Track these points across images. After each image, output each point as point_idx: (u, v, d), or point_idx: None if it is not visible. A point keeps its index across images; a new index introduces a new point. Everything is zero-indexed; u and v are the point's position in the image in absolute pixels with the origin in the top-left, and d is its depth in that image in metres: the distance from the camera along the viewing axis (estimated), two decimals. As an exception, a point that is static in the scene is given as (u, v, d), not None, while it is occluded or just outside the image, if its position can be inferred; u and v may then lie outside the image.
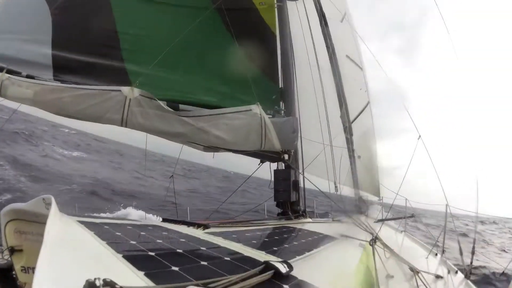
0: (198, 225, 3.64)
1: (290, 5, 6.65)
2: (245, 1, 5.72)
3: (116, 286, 1.11)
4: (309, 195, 6.43)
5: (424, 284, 2.79)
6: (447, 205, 4.82)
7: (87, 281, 1.06)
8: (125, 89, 4.33)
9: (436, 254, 4.66)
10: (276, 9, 5.87)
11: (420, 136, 5.10)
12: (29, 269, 2.41)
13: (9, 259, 2.49)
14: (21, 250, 2.41)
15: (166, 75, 4.99)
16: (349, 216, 5.95)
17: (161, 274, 1.63)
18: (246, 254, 2.42)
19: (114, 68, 4.90)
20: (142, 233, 2.70)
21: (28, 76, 4.46)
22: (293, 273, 1.93)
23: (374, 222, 6.32)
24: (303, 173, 5.59)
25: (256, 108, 4.70)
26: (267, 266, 1.82)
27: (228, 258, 2.22)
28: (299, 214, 5.69)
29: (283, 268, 1.86)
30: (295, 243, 3.66)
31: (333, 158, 5.92)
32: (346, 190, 7.04)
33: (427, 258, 4.42)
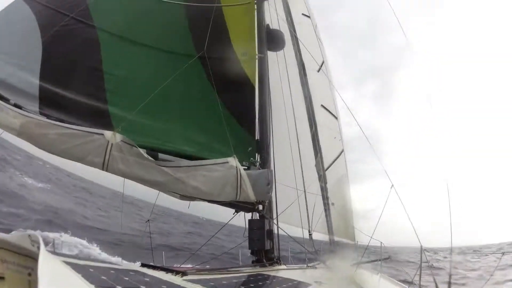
0: (176, 272, 3.73)
1: (270, 54, 6.96)
2: (228, 51, 5.96)
3: None
4: (285, 240, 6.58)
5: None
6: (421, 247, 5.02)
7: None
8: (108, 134, 4.46)
9: None
10: (257, 61, 6.10)
11: (392, 185, 5.31)
12: None
13: None
14: (3, 278, 2.47)
15: (146, 121, 5.15)
16: (323, 261, 6.11)
17: None
18: None
19: (98, 109, 5.03)
20: (125, 278, 2.77)
21: (16, 105, 4.50)
22: None
23: (350, 265, 6.46)
24: (277, 223, 5.73)
25: (233, 161, 4.88)
26: None
27: None
28: (273, 261, 5.80)
29: None
30: None
31: (307, 205, 6.12)
32: (321, 236, 7.21)
33: None
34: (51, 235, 11.86)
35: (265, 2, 6.87)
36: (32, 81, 4.87)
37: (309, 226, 6.23)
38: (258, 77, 6.13)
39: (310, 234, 6.34)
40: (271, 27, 6.94)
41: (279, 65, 7.34)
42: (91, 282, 2.09)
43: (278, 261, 5.89)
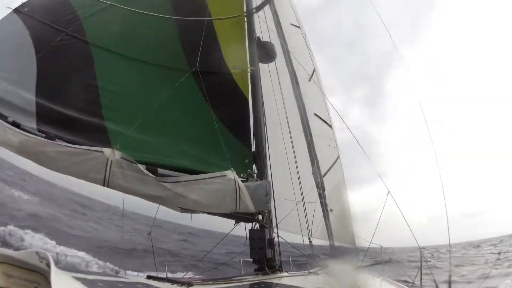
0: (181, 283, 3.82)
1: (262, 66, 7.06)
2: (220, 65, 6.09)
3: None
4: (286, 247, 6.66)
5: None
6: (420, 249, 5.12)
7: None
8: (107, 151, 4.53)
9: None
10: (249, 73, 6.23)
11: (389, 192, 5.40)
12: None
13: None
14: None
15: (143, 137, 5.22)
16: (325, 267, 6.18)
17: None
18: None
19: (95, 125, 5.09)
20: None
21: (14, 123, 4.53)
22: None
23: (351, 270, 6.52)
24: (277, 232, 5.83)
25: (231, 174, 4.99)
26: None
27: None
28: (275, 269, 5.88)
29: None
30: None
31: (305, 213, 6.22)
32: (322, 242, 7.30)
33: None
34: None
35: (255, 14, 7.01)
36: (28, 97, 4.90)
37: (308, 233, 6.32)
38: (251, 89, 6.22)
39: (310, 241, 6.42)
40: (261, 39, 7.06)
41: (271, 76, 7.46)
42: None
43: (280, 269, 5.97)
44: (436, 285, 4.80)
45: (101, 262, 13.21)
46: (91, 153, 4.50)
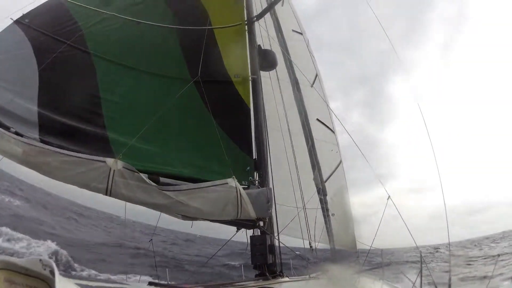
0: None
1: (263, 73, 7.14)
2: (221, 74, 6.15)
3: None
4: (287, 252, 6.73)
5: None
6: (420, 251, 5.19)
7: None
8: (110, 161, 4.60)
9: None
10: (250, 82, 6.29)
11: (389, 196, 5.46)
12: None
13: None
14: None
15: (145, 146, 5.30)
16: (326, 271, 6.24)
17: None
18: None
19: (97, 135, 5.16)
20: None
21: (17, 133, 4.58)
22: None
23: (352, 274, 6.57)
24: (278, 238, 5.89)
25: (232, 182, 5.08)
26: None
27: None
28: (276, 274, 5.95)
29: None
30: None
31: (306, 219, 6.30)
32: (323, 247, 7.37)
33: None
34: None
35: (256, 22, 7.08)
36: (30, 108, 4.95)
37: (309, 238, 6.40)
38: (253, 97, 6.28)
39: (310, 246, 6.49)
40: (262, 47, 7.14)
41: (273, 83, 7.54)
42: None
43: (281, 274, 6.03)
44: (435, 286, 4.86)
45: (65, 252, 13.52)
46: (93, 162, 4.58)
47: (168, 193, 4.84)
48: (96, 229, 26.29)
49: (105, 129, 5.24)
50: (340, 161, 8.44)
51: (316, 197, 7.31)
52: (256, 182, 5.64)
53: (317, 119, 8.22)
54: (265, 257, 5.71)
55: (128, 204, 5.19)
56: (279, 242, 5.85)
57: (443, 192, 5.28)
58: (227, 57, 6.28)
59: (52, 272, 2.11)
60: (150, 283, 4.97)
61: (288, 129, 6.74)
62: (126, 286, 3.91)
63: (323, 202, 7.28)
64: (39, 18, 5.67)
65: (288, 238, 6.55)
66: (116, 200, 4.85)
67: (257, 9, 7.26)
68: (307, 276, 6.47)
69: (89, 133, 5.11)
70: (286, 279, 5.97)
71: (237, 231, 6.00)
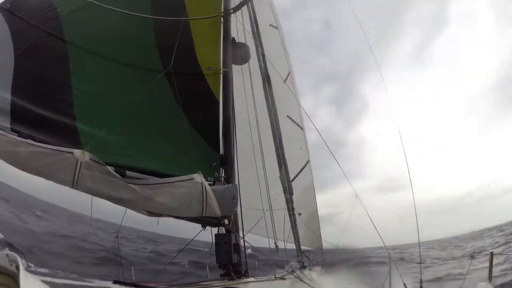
0: None
1: (235, 67, 7.00)
2: (193, 66, 6.01)
3: None
4: (253, 251, 6.66)
5: None
6: (389, 252, 5.24)
7: None
8: (77, 152, 4.40)
9: None
10: (221, 75, 6.16)
11: (356, 195, 5.48)
12: None
13: None
14: None
15: (114, 138, 5.16)
16: (292, 271, 6.23)
17: None
18: None
19: (67, 125, 4.98)
20: None
21: None
22: None
23: (319, 275, 6.60)
24: (244, 237, 5.82)
25: (198, 177, 4.94)
26: None
27: None
28: (241, 274, 5.87)
29: None
30: None
31: (272, 219, 6.24)
32: (289, 247, 7.34)
33: None
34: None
35: (232, 15, 6.93)
36: (4, 95, 4.74)
37: (274, 238, 6.34)
38: (223, 91, 6.17)
39: (276, 246, 6.43)
40: (237, 40, 7.00)
41: (244, 77, 7.42)
42: None
43: (246, 274, 5.96)
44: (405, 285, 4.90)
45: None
46: (61, 154, 4.37)
47: (134, 187, 4.66)
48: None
49: (75, 120, 5.05)
50: (308, 161, 8.43)
51: (283, 196, 7.26)
52: (222, 178, 5.51)
53: (288, 116, 8.17)
54: (230, 256, 5.62)
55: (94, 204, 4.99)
56: (244, 241, 5.77)
57: (412, 191, 5.32)
58: (200, 49, 6.12)
59: (17, 268, 1.95)
60: (115, 281, 4.80)
61: (257, 125, 6.63)
62: (91, 284, 3.75)
63: (289, 202, 7.23)
64: (21, 4, 5.39)
65: (254, 237, 6.47)
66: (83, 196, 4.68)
67: (235, 1, 7.10)
68: (273, 276, 6.44)
69: (59, 123, 4.92)
70: (251, 279, 5.90)
71: (201, 229, 5.87)
